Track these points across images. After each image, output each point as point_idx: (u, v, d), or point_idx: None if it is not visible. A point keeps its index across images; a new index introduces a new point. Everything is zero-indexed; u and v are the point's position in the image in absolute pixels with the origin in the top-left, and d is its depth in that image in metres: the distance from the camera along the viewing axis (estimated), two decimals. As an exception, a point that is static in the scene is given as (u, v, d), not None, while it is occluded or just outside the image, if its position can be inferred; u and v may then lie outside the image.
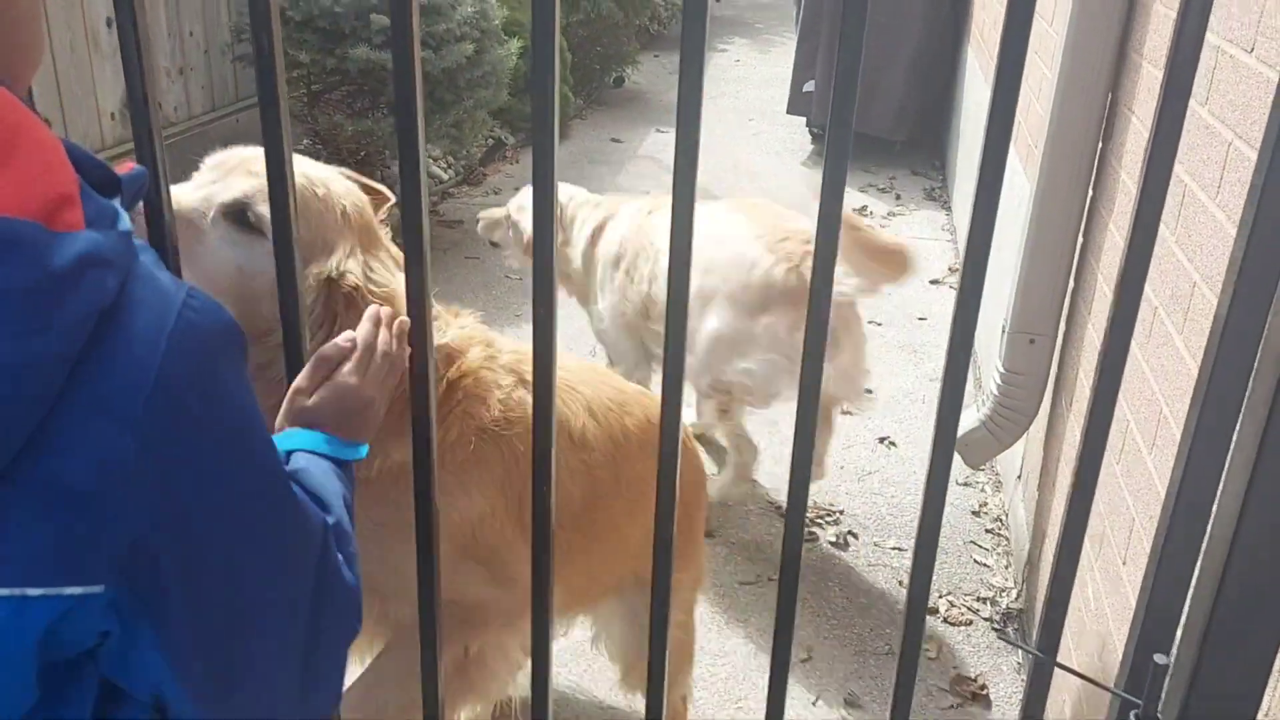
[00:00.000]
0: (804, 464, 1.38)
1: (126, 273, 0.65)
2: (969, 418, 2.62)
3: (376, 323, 1.18)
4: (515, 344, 1.71)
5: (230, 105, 4.95)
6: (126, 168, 0.72)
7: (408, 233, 1.19)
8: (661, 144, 6.63)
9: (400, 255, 1.47)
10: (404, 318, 1.17)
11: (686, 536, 2.06)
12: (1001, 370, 2.61)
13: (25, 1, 0.69)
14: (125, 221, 0.68)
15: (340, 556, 0.84)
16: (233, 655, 0.72)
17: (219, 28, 4.78)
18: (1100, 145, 2.40)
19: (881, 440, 3.41)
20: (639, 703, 2.25)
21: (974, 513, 3.04)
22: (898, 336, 4.15)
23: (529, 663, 1.41)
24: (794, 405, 1.30)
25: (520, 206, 3.39)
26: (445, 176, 5.62)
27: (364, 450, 1.11)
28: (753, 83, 8.21)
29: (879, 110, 6.13)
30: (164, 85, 4.50)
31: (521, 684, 1.81)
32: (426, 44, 4.38)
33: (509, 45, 4.91)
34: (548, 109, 1.15)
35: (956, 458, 2.93)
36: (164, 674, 0.68)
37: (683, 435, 2.03)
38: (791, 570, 1.42)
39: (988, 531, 2.96)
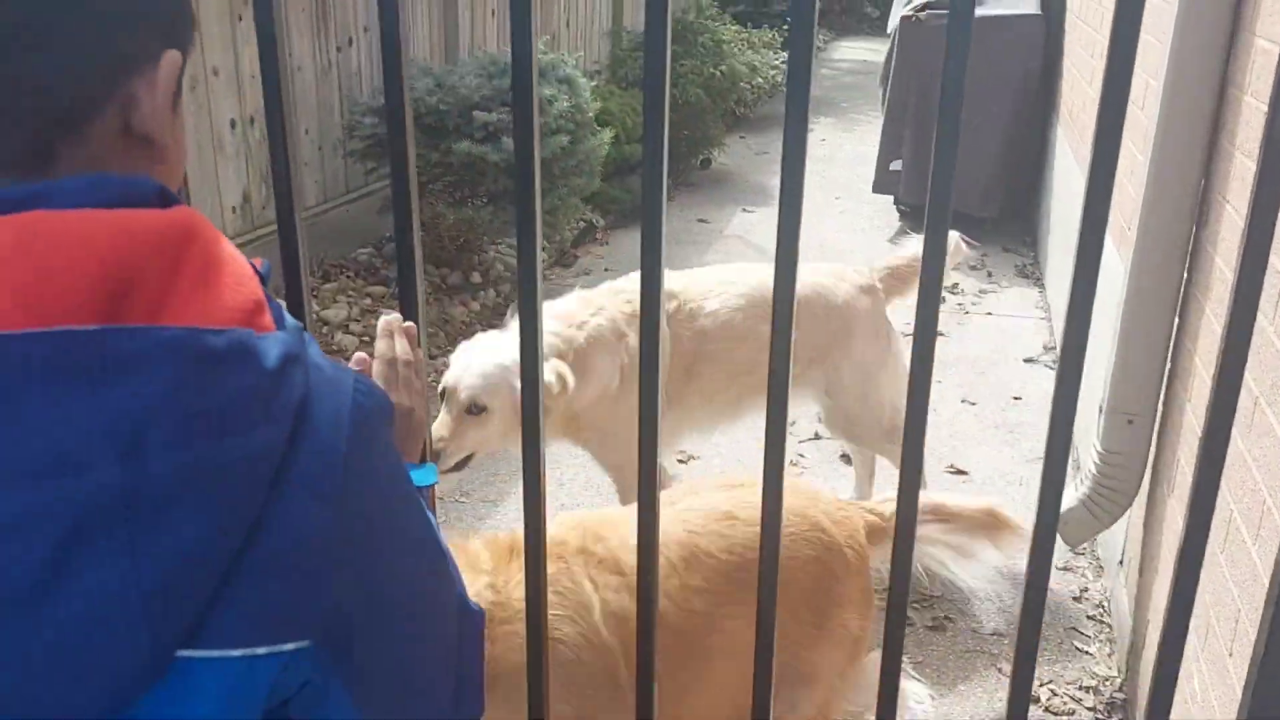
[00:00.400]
0: (907, 545, 1.42)
1: (307, 364, 0.72)
2: (1068, 496, 2.61)
3: (387, 334, 1.20)
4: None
5: (341, 197, 5.22)
6: (256, 263, 0.80)
7: (524, 299, 1.30)
8: (748, 223, 6.74)
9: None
10: (409, 323, 1.22)
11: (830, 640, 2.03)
12: (1100, 450, 2.59)
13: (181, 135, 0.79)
14: (289, 317, 0.75)
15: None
16: (406, 686, 0.79)
17: (331, 125, 5.06)
18: (1194, 230, 2.41)
19: (977, 522, 3.38)
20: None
21: (1075, 598, 3.00)
22: (993, 416, 4.13)
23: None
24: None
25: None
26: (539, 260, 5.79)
27: (433, 473, 1.16)
28: (838, 161, 8.31)
29: (968, 187, 6.16)
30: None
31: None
32: (524, 136, 4.58)
33: (602, 135, 5.10)
34: (657, 215, 1.22)
35: (1058, 539, 2.92)
36: (349, 711, 0.75)
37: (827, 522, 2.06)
38: (895, 650, 1.44)
39: (1089, 618, 2.91)
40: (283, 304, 0.77)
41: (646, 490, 1.38)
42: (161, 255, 0.65)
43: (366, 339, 4.44)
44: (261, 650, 0.67)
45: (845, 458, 3.75)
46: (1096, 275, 1.24)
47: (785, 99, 1.24)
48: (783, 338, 1.32)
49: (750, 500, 1.75)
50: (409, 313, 1.33)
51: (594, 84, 7.15)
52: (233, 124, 4.43)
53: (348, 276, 4.92)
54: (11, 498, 0.60)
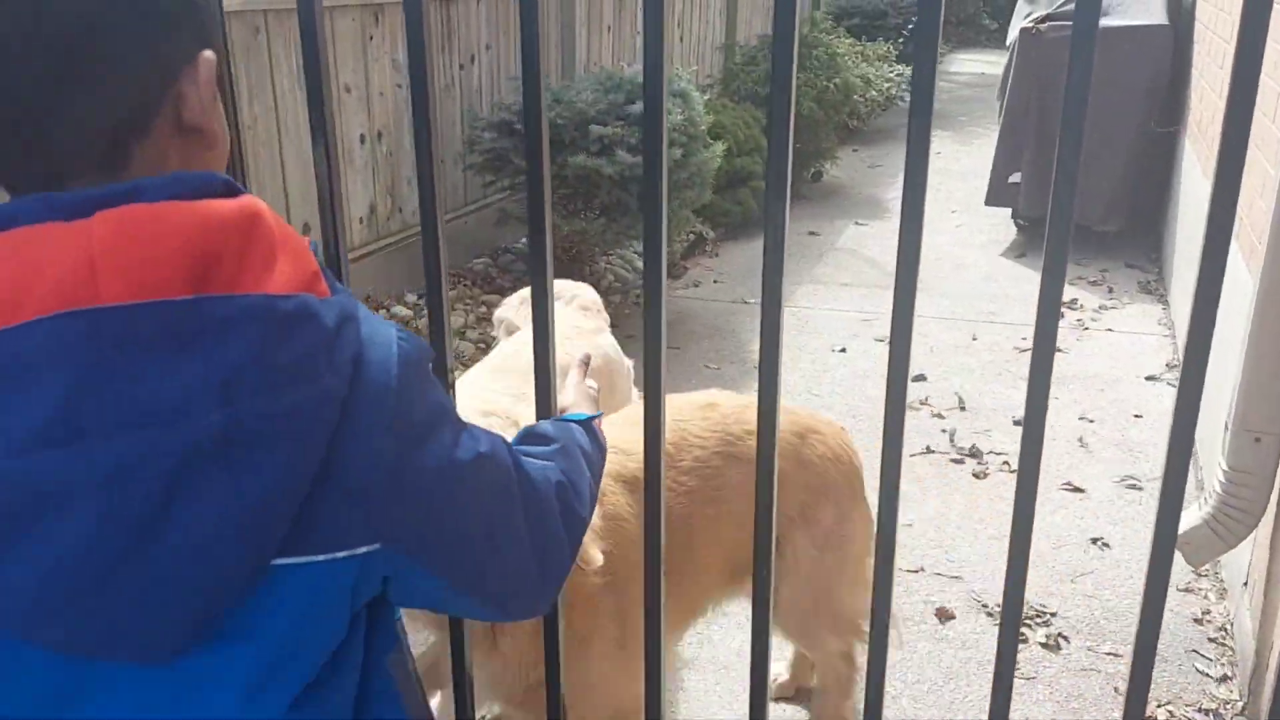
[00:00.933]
0: (1021, 559, 1.43)
1: (359, 322, 0.85)
2: (1191, 516, 2.54)
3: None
4: None
5: (460, 208, 5.38)
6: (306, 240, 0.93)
7: (648, 309, 1.35)
8: (860, 237, 6.71)
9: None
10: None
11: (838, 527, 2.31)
12: (1225, 468, 2.52)
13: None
14: (338, 282, 0.88)
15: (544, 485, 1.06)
16: (481, 556, 0.95)
17: (453, 139, 5.23)
18: (1327, 244, 2.33)
19: (1094, 541, 3.32)
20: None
21: (1196, 620, 2.91)
22: (1112, 434, 4.04)
23: None
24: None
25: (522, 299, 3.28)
26: (651, 271, 5.87)
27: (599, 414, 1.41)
28: (954, 174, 8.20)
29: (1091, 200, 6.02)
30: (404, 192, 4.96)
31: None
32: (638, 150, 4.66)
33: (714, 148, 5.15)
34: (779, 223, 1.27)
35: (1178, 560, 2.84)
36: (439, 590, 0.92)
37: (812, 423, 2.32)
38: (1007, 671, 1.45)
39: (1210, 640, 2.83)
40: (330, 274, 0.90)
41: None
42: (235, 237, 0.76)
43: (483, 345, 4.57)
44: (341, 554, 0.81)
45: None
46: (1219, 289, 1.23)
47: (909, 113, 1.26)
48: (900, 365, 1.35)
49: (726, 394, 2.28)
50: (538, 314, 1.40)
51: (706, 97, 7.22)
52: (362, 139, 4.63)
53: (465, 285, 5.07)
54: (129, 443, 0.71)
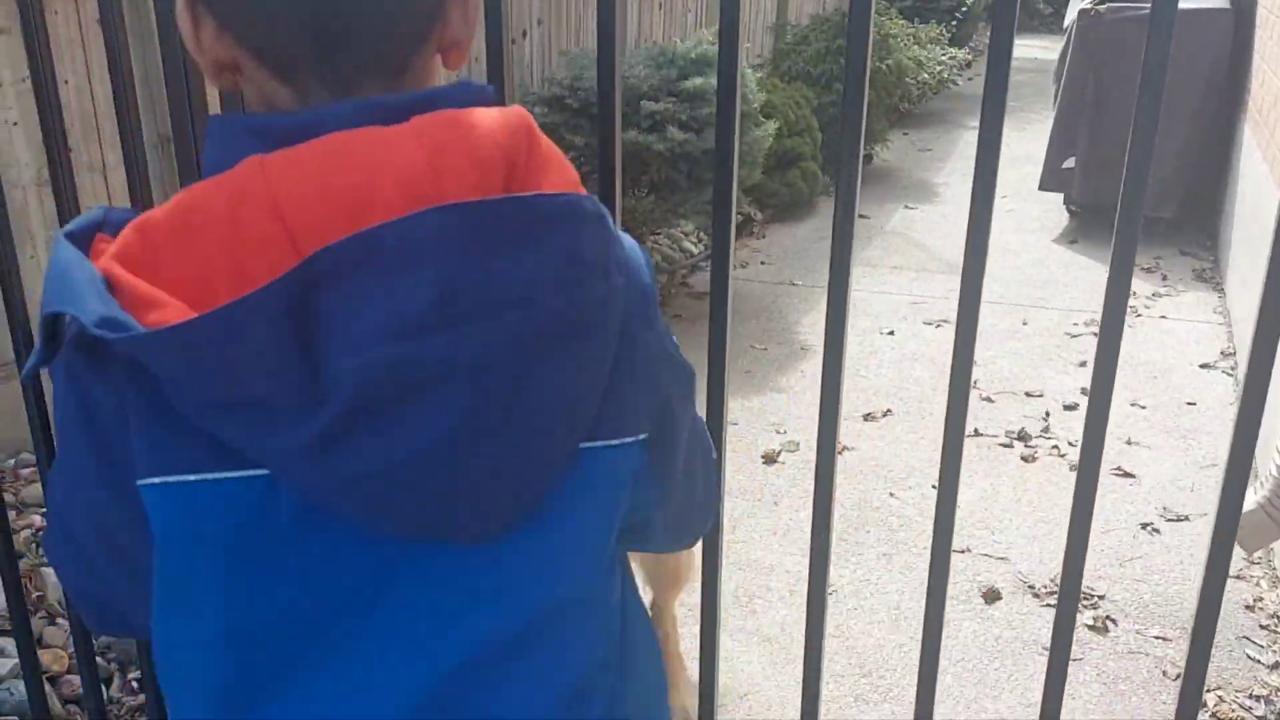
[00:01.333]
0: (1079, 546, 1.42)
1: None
2: (1246, 500, 2.51)
3: None
4: None
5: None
6: None
7: (715, 285, 1.36)
8: (909, 220, 6.65)
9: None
10: None
11: None
12: (1282, 455, 2.49)
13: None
14: None
15: None
16: (691, 482, 1.00)
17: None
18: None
19: (1144, 526, 3.29)
20: None
21: (1248, 607, 2.88)
22: (1164, 421, 3.99)
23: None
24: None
25: None
26: (696, 250, 5.87)
27: None
28: (1006, 159, 8.03)
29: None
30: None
31: None
32: (689, 126, 4.66)
33: (765, 127, 5.13)
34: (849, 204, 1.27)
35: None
36: (657, 501, 0.95)
37: None
38: (1063, 654, 1.44)
39: (1262, 628, 2.80)
40: None
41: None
42: (524, 140, 0.78)
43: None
44: (628, 439, 0.85)
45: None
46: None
47: (981, 102, 1.23)
48: (965, 351, 1.34)
49: None
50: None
51: (758, 76, 7.18)
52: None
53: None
54: (493, 328, 0.73)
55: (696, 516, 1.06)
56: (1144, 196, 1.24)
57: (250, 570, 0.76)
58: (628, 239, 0.91)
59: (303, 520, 0.75)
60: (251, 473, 0.74)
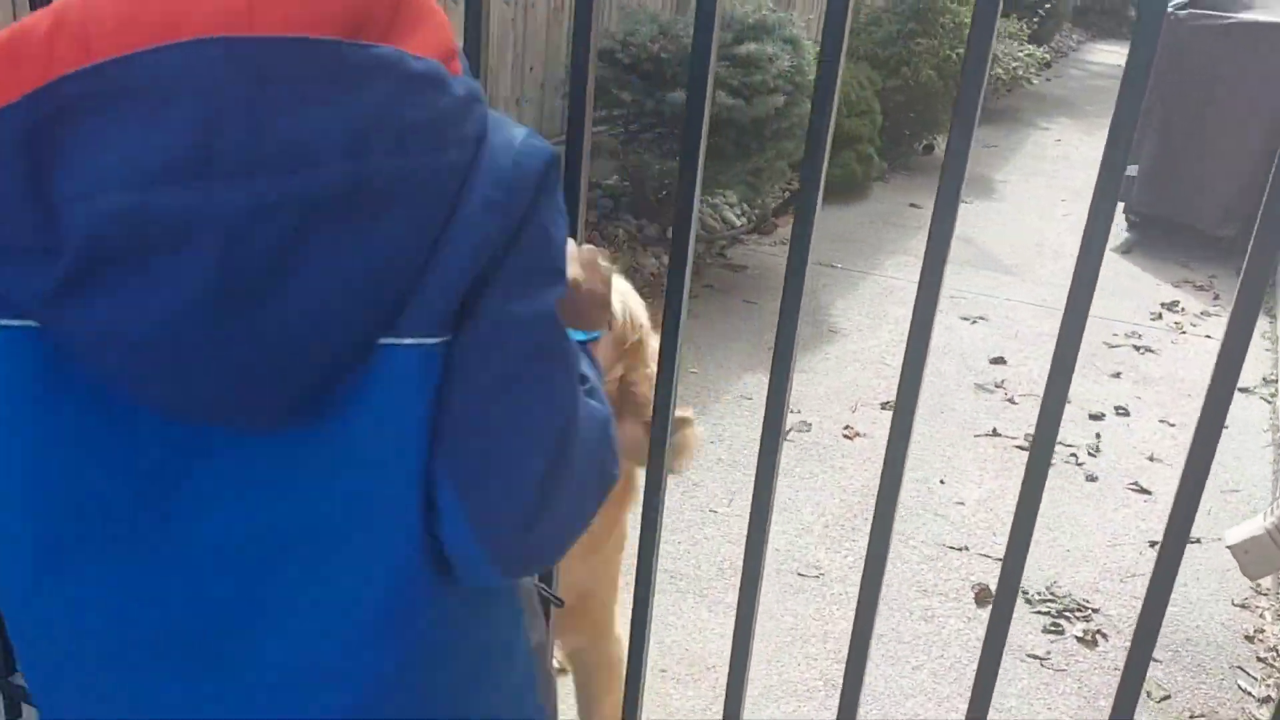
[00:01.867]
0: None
1: (485, 106, 0.82)
2: (1253, 525, 2.42)
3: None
4: None
5: (557, 136, 5.36)
6: None
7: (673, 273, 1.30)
8: (962, 214, 6.40)
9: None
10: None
11: None
12: (1297, 484, 2.39)
13: None
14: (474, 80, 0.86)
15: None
16: (498, 435, 0.81)
17: (557, 65, 5.20)
18: None
19: (1152, 544, 3.18)
20: None
21: (1247, 637, 2.78)
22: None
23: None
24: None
25: None
26: (738, 222, 5.79)
27: (597, 334, 1.17)
28: (1071, 162, 7.89)
29: (1207, 203, 5.74)
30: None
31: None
32: (739, 93, 4.57)
33: (819, 101, 5.01)
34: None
35: (1235, 574, 2.70)
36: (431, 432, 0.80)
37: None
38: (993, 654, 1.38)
39: (1259, 660, 2.69)
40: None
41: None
42: (386, 3, 0.74)
43: (559, 273, 4.57)
44: (432, 340, 0.76)
45: (1019, 457, 3.58)
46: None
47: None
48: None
49: None
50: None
51: (818, 50, 7.03)
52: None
53: (551, 213, 5.06)
54: (256, 186, 0.67)
55: (535, 521, 0.83)
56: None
57: (41, 423, 0.74)
58: (513, 126, 0.82)
59: (70, 377, 0.72)
60: (24, 323, 0.71)
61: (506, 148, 0.79)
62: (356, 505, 0.78)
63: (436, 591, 0.82)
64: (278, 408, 0.74)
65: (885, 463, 1.36)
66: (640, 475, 1.82)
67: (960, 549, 3.09)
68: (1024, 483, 1.31)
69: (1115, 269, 5.78)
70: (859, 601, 1.40)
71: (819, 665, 2.58)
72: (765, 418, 1.35)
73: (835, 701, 2.51)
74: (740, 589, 1.43)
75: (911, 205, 6.63)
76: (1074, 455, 3.68)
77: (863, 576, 1.38)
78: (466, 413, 0.79)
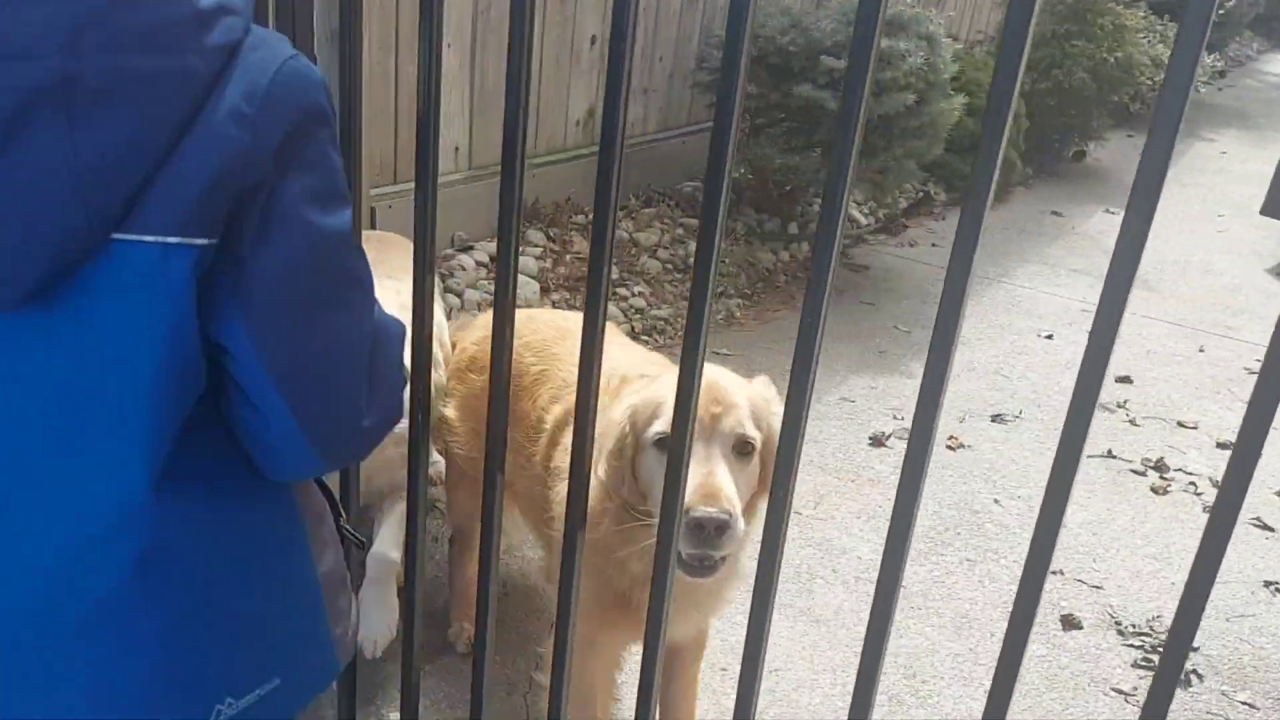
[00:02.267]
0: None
1: (250, 22, 0.84)
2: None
3: None
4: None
5: (680, 127, 5.35)
6: None
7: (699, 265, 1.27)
8: (1107, 225, 6.20)
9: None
10: None
11: None
12: None
13: None
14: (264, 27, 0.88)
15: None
16: (315, 348, 0.90)
17: (686, 56, 5.19)
18: None
19: (1267, 585, 2.97)
20: None
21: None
22: (1329, 478, 3.59)
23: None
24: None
25: None
26: (864, 221, 5.66)
27: None
28: (1233, 176, 7.43)
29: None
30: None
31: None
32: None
33: (954, 100, 4.86)
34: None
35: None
36: (239, 326, 0.86)
37: None
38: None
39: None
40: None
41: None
42: None
43: (670, 265, 4.56)
44: (173, 240, 0.80)
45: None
46: None
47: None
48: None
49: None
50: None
51: (971, 52, 6.81)
52: (592, 40, 4.66)
53: (667, 205, 5.05)
54: None
55: (356, 414, 0.94)
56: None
57: None
58: (280, 45, 0.85)
59: None
60: None
61: (264, 65, 0.82)
62: (88, 403, 0.81)
63: (169, 497, 0.85)
64: (11, 289, 0.78)
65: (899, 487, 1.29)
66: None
67: (1055, 572, 2.95)
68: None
69: (1266, 289, 5.43)
70: (869, 626, 1.34)
71: (887, 680, 2.51)
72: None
73: (897, 716, 2.44)
74: (753, 592, 1.39)
75: (1053, 213, 6.36)
76: (1193, 484, 3.47)
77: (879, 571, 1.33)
78: (290, 336, 0.86)
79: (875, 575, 1.34)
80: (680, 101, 5.30)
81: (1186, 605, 1.16)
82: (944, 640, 2.66)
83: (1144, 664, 2.63)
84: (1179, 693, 2.53)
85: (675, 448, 1.29)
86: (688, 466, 1.30)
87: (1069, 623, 2.74)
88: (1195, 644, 2.69)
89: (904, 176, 4.96)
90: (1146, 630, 2.75)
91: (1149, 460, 3.59)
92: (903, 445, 3.54)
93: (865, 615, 2.83)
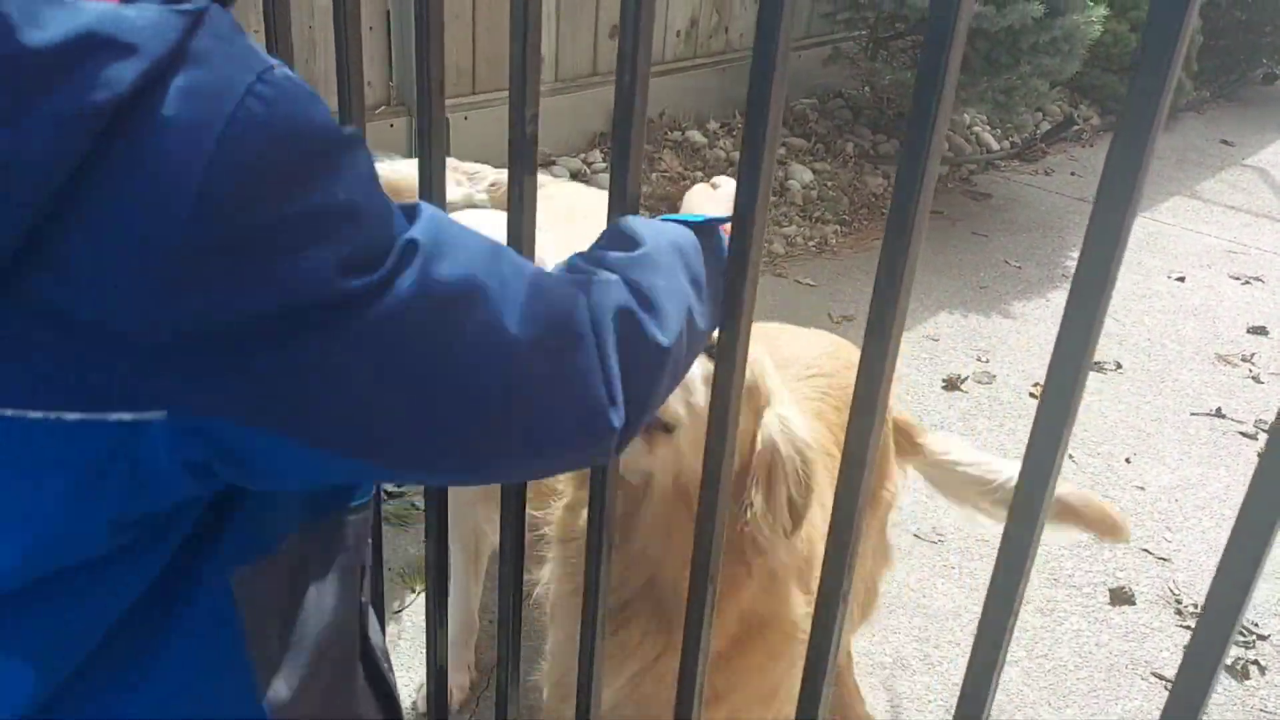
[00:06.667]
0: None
1: (163, 60, 0.55)
2: None
3: None
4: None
5: (796, 40, 5.04)
6: None
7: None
8: (1269, 151, 5.54)
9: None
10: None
11: None
12: None
13: None
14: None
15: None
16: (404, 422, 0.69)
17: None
18: None
19: (1372, 572, 2.61)
20: None
21: None
22: None
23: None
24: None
25: None
26: (995, 146, 5.24)
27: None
28: None
29: None
30: (734, 10, 4.71)
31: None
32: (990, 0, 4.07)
33: (1093, 11, 4.39)
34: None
35: None
36: (329, 464, 0.68)
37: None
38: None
39: None
40: None
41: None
42: None
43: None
44: (34, 415, 0.58)
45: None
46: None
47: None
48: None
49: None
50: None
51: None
52: (695, -54, 4.42)
53: (774, 121, 4.80)
54: None
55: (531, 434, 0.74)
56: None
57: None
58: (230, 78, 0.57)
59: None
60: None
61: (194, 134, 0.57)
62: None
63: None
64: None
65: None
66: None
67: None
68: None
69: None
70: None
71: (894, 641, 2.34)
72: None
73: (903, 682, 2.27)
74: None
75: (1222, 142, 5.75)
76: (1311, 452, 3.08)
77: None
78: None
79: (914, 527, 1.12)
80: (797, 13, 4.99)
81: (1231, 564, 0.82)
82: (971, 604, 2.46)
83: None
84: (1235, 685, 2.28)
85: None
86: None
87: (1119, 596, 2.48)
88: (1265, 632, 2.41)
89: (1032, 97, 4.54)
90: (1211, 612, 2.46)
91: (1263, 423, 3.20)
92: (979, 391, 3.30)
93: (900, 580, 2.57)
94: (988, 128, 5.28)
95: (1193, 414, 3.24)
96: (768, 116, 0.91)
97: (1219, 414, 3.24)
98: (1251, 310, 3.86)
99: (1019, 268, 4.11)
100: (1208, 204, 4.90)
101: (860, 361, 0.95)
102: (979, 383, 3.35)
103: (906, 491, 2.82)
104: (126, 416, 0.59)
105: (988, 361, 3.46)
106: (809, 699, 1.09)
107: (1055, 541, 2.68)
